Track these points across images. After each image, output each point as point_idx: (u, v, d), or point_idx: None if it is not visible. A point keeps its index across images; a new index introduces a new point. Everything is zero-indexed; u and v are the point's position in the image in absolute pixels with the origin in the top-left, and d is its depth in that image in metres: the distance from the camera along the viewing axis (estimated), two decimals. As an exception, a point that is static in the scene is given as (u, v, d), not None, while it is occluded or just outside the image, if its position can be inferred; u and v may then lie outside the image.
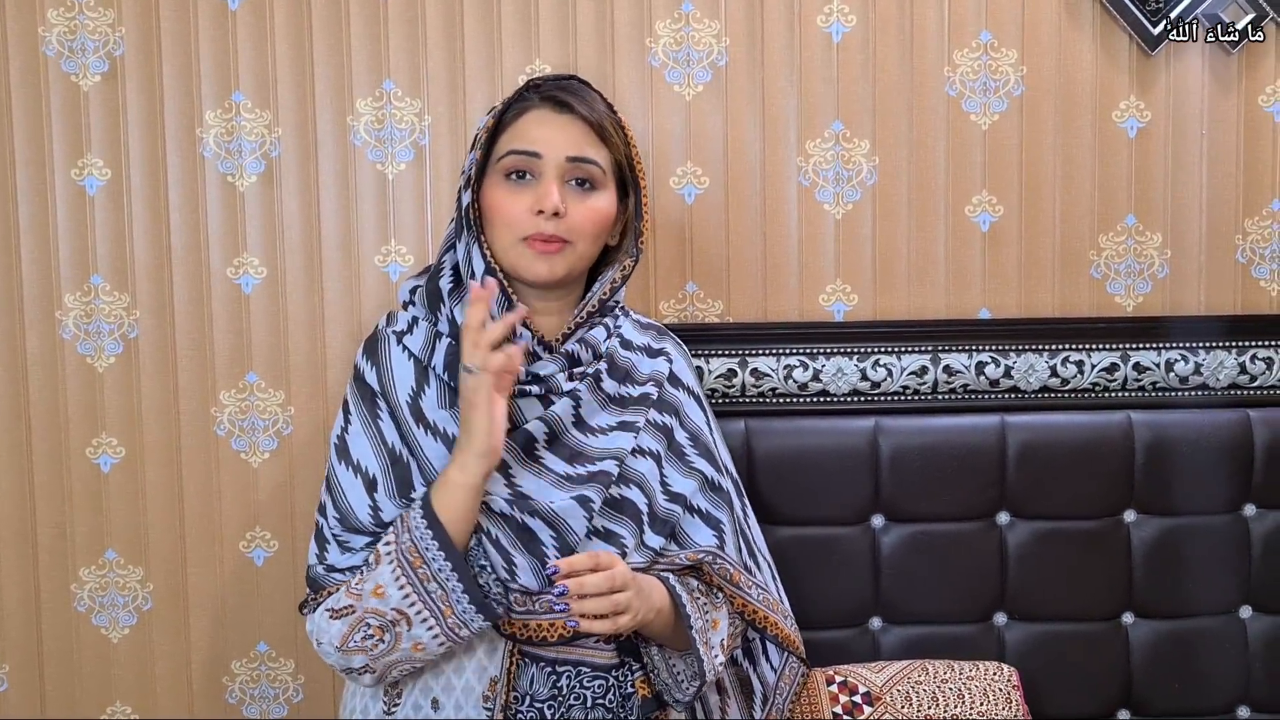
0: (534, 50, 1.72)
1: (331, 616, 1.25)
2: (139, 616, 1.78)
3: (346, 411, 1.35)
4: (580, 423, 1.34)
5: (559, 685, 1.29)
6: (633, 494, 1.34)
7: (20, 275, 1.73)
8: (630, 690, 1.32)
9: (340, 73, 1.72)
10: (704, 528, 1.38)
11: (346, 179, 1.74)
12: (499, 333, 1.22)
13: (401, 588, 1.22)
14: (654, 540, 1.34)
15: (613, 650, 1.32)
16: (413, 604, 1.22)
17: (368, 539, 1.29)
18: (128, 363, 1.74)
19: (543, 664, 1.29)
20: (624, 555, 1.29)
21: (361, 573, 1.25)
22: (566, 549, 1.28)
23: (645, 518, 1.33)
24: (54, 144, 1.72)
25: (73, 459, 1.75)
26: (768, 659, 1.47)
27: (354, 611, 1.24)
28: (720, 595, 1.36)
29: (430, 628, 1.22)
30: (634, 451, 1.35)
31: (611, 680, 1.31)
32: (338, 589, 1.27)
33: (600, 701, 1.30)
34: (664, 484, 1.36)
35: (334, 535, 1.31)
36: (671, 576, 1.32)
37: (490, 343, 1.21)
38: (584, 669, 1.30)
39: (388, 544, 1.24)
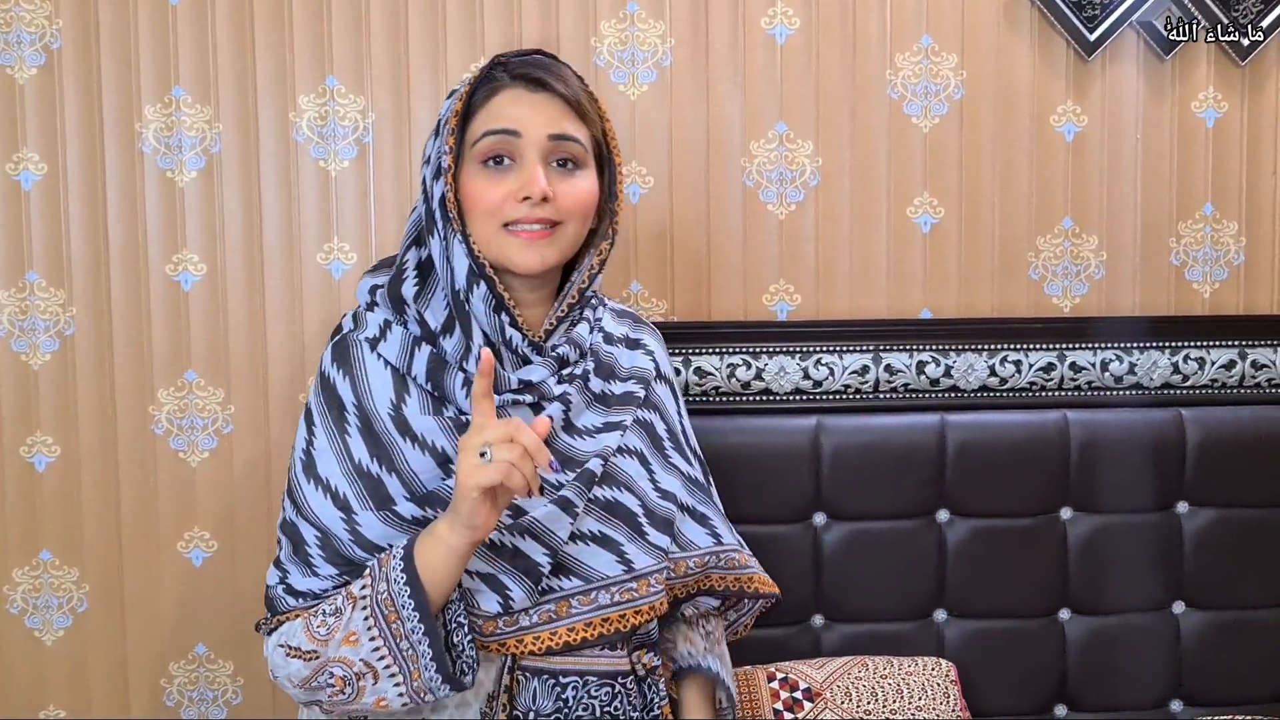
0: (479, 49, 1.72)
1: (288, 654, 1.17)
2: (74, 618, 1.75)
3: (310, 424, 1.24)
4: (569, 426, 1.27)
5: (564, 698, 1.22)
6: (623, 496, 1.28)
7: (-48, 271, 1.70)
8: (651, 695, 1.27)
9: (282, 68, 1.71)
10: (696, 526, 1.34)
11: (288, 176, 1.72)
12: (487, 392, 1.13)
13: (374, 639, 1.14)
14: (660, 539, 1.27)
15: (622, 655, 1.25)
16: (382, 658, 1.14)
17: (339, 568, 1.20)
18: (64, 360, 1.72)
19: (545, 676, 1.22)
20: (621, 558, 1.24)
21: (323, 614, 1.17)
22: (552, 557, 1.21)
23: (641, 518, 1.27)
24: (-12, 137, 1.69)
25: (6, 458, 1.72)
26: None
27: (317, 657, 1.16)
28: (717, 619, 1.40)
29: (397, 685, 1.14)
30: (619, 451, 1.29)
31: (619, 687, 1.24)
32: (293, 618, 1.19)
33: (608, 710, 1.23)
34: (653, 482, 1.31)
35: (305, 557, 1.21)
36: (718, 670, 1.34)
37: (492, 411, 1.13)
38: (590, 678, 1.23)
39: (364, 589, 1.15)
